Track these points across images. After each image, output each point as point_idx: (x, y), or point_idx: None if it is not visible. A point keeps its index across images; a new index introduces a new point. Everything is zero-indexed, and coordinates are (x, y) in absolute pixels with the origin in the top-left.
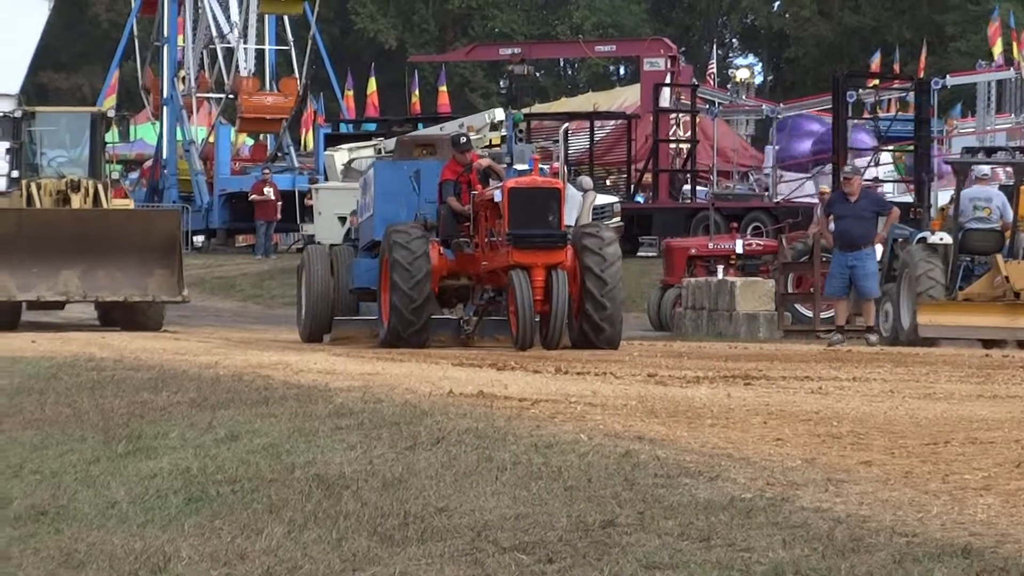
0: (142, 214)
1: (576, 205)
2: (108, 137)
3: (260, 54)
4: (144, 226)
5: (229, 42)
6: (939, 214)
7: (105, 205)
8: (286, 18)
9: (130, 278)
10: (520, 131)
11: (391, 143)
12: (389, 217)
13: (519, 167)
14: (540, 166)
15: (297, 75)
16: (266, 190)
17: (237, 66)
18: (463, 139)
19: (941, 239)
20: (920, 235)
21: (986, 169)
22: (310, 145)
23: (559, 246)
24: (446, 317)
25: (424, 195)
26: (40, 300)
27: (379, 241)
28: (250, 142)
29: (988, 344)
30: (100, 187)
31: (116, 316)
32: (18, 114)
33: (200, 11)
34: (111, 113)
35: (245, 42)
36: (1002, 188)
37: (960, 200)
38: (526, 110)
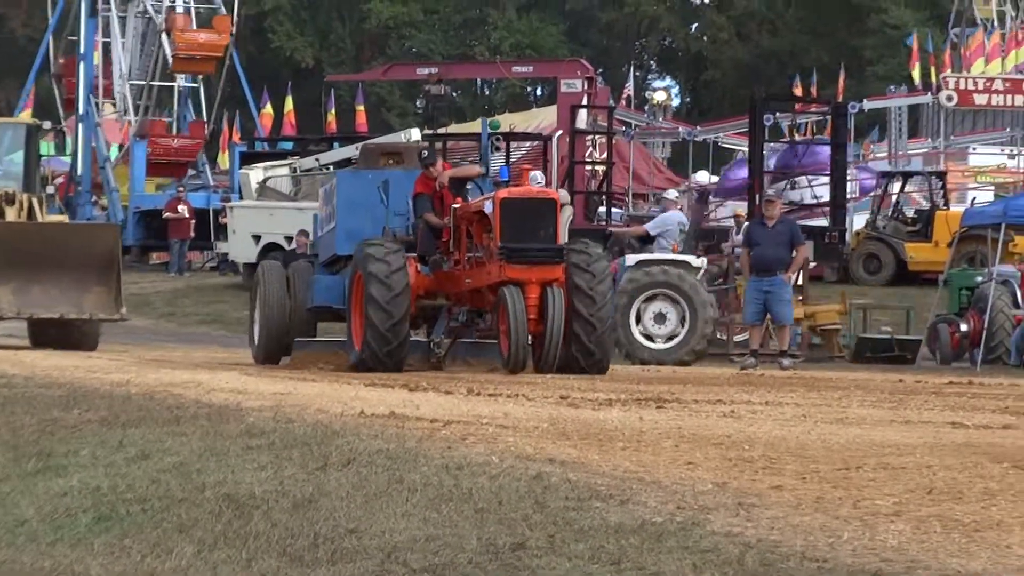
0: (80, 229)
1: None
2: (44, 149)
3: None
4: (82, 241)
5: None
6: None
7: (40, 219)
8: None
9: (66, 295)
10: (498, 139)
11: (306, 162)
12: (353, 229)
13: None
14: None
15: (229, 13)
16: (180, 208)
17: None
18: (425, 153)
19: (704, 264)
20: (684, 259)
21: (674, 194)
22: (225, 163)
23: (556, 261)
24: (415, 339)
25: (393, 207)
26: None
27: (342, 256)
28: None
29: None
30: (35, 201)
31: (50, 335)
32: None
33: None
34: (46, 125)
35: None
36: None
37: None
38: (442, 130)
